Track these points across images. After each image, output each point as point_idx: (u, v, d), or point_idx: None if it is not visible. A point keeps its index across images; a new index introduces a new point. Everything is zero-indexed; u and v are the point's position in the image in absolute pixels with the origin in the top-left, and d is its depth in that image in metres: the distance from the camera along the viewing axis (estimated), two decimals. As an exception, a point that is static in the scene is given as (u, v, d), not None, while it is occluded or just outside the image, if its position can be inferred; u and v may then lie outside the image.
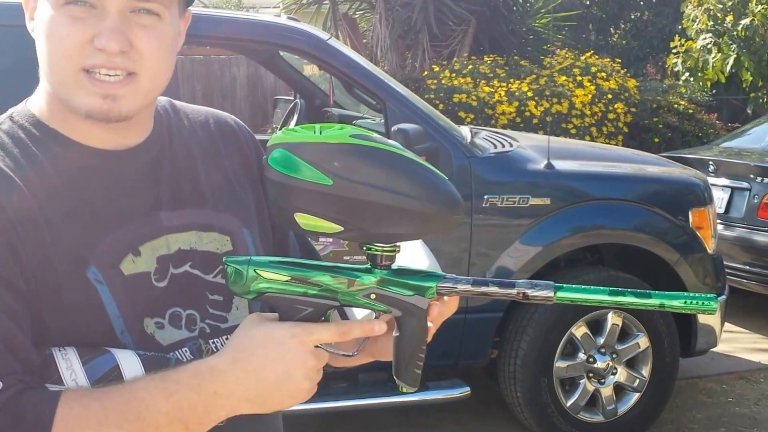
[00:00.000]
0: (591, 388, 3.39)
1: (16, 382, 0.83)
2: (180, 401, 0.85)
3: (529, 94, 7.66)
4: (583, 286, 0.88)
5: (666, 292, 0.87)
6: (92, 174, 0.94)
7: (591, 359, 3.36)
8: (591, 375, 3.38)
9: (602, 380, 3.39)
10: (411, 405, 3.34)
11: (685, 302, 0.86)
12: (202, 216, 1.01)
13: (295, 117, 4.13)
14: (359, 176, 0.82)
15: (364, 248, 0.89)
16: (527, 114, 7.56)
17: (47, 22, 0.90)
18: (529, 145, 3.61)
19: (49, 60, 0.91)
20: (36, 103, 0.97)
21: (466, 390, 3.23)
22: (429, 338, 0.92)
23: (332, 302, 0.89)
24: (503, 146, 3.50)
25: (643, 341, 3.41)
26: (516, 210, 3.24)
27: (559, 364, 3.32)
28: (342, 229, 0.85)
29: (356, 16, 10.41)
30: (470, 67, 8.22)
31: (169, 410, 0.84)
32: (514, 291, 0.88)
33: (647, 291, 0.87)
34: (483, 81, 7.89)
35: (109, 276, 0.92)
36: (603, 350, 3.38)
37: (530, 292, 0.88)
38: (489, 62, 8.42)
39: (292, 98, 4.67)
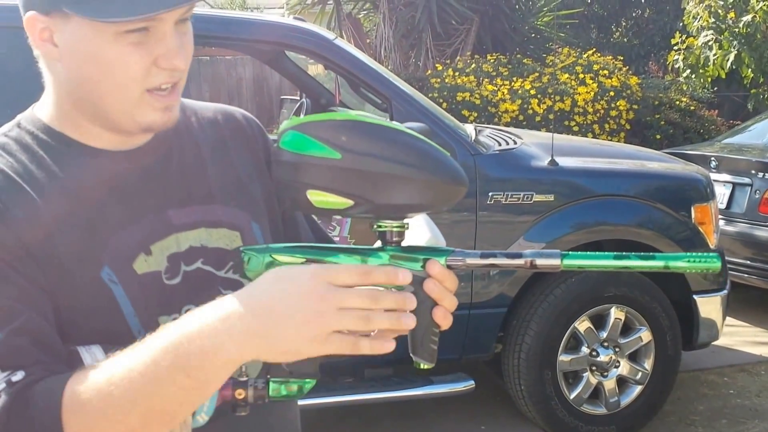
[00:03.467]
0: (594, 381, 3.43)
1: (39, 370, 0.84)
2: (176, 349, 0.80)
3: (532, 92, 7.71)
4: (588, 253, 0.88)
5: (669, 254, 0.87)
6: (100, 174, 0.95)
7: (594, 353, 3.41)
8: (594, 368, 3.42)
9: (605, 373, 3.43)
10: (416, 399, 3.37)
11: (689, 261, 0.86)
12: (210, 212, 1.02)
13: (302, 116, 4.16)
14: (366, 149, 0.85)
15: (375, 226, 0.91)
16: (530, 112, 7.61)
17: (96, 51, 0.89)
18: (532, 142, 3.65)
19: (98, 86, 0.91)
20: (43, 109, 0.98)
21: (470, 384, 3.27)
22: (451, 307, 0.90)
23: None
24: (507, 144, 3.53)
25: (645, 335, 3.45)
26: (520, 207, 3.28)
27: (563, 357, 3.36)
28: (352, 203, 0.86)
29: (360, 16, 10.46)
30: (473, 65, 8.27)
31: (166, 361, 0.80)
32: (521, 261, 0.88)
33: (651, 254, 0.87)
34: (486, 79, 7.94)
35: (123, 276, 0.93)
36: (606, 344, 3.42)
37: (538, 261, 0.88)
38: (492, 61, 8.47)
39: (298, 98, 4.70)
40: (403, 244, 0.91)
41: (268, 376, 0.89)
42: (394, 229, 0.90)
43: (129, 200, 0.96)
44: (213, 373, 0.80)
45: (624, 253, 0.87)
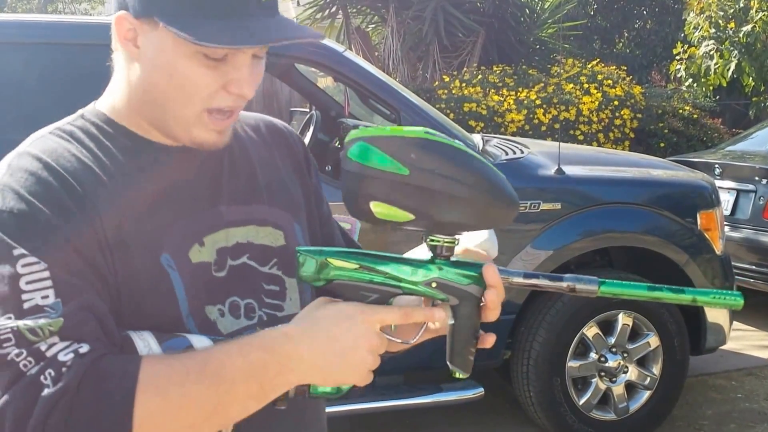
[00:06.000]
0: (603, 386, 3.44)
1: (101, 347, 0.88)
2: (255, 361, 0.89)
3: (538, 102, 7.78)
4: (623, 282, 0.95)
5: (697, 289, 0.95)
6: (159, 167, 1.00)
7: (602, 359, 3.43)
8: (603, 374, 3.44)
9: (614, 379, 3.45)
10: (425, 406, 3.37)
11: (714, 297, 0.94)
12: (258, 211, 1.06)
13: (311, 128, 4.21)
14: (433, 167, 0.89)
15: (427, 240, 0.96)
16: (536, 121, 7.68)
17: (173, 63, 0.94)
18: (539, 151, 3.68)
19: (166, 95, 0.96)
20: (106, 104, 1.02)
21: (479, 391, 3.28)
22: (494, 319, 0.98)
23: (395, 290, 0.95)
24: (514, 153, 3.56)
25: (653, 340, 3.46)
26: (527, 215, 3.30)
27: (571, 363, 3.38)
28: (414, 217, 0.91)
29: (368, 29, 10.56)
30: (479, 76, 8.35)
31: (244, 368, 0.89)
32: (564, 284, 0.95)
33: (681, 287, 0.95)
34: (492, 90, 8.02)
35: (180, 263, 0.97)
36: (614, 350, 3.44)
37: (577, 286, 0.95)
38: (498, 72, 8.54)
39: (308, 110, 4.76)
40: (452, 258, 0.97)
41: None
42: (446, 244, 0.95)
43: (185, 193, 1.00)
44: (279, 388, 0.92)
45: (657, 285, 0.96)
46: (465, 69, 8.90)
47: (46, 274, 0.87)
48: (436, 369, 3.27)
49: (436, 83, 8.44)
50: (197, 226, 1.00)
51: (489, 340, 1.00)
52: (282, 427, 1.05)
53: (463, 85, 8.08)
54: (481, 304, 0.97)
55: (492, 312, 0.97)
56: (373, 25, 10.67)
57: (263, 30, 0.93)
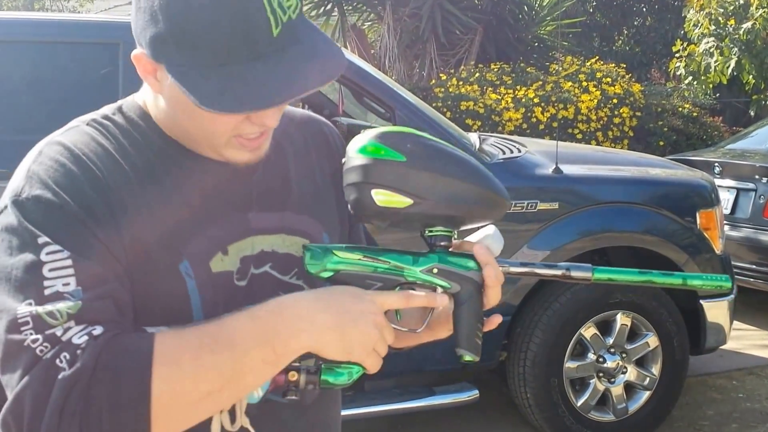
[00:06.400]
0: (601, 387, 3.42)
1: (115, 328, 0.88)
2: (265, 325, 0.91)
3: (536, 100, 7.74)
4: (615, 268, 1.02)
5: (687, 273, 1.02)
6: (190, 172, 1.00)
7: (601, 359, 3.40)
8: (601, 375, 3.41)
9: (612, 379, 3.42)
10: (419, 410, 3.32)
11: (704, 279, 1.01)
12: (287, 219, 1.06)
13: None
14: (427, 155, 0.99)
15: (426, 232, 1.03)
16: (534, 120, 7.64)
17: (190, 104, 0.92)
18: (536, 150, 3.66)
19: (189, 130, 0.98)
20: (144, 99, 1.03)
21: (474, 393, 3.26)
22: (496, 302, 1.02)
23: (399, 278, 1.00)
24: (512, 152, 3.54)
25: (652, 340, 3.44)
26: (524, 215, 3.27)
27: (569, 364, 3.35)
28: (412, 202, 0.98)
29: (364, 27, 10.52)
30: (477, 74, 8.31)
31: (256, 334, 0.90)
32: (559, 272, 1.03)
33: (671, 272, 1.01)
34: (490, 88, 7.98)
35: (199, 272, 0.97)
36: (612, 350, 3.42)
37: (572, 273, 1.02)
38: (495, 70, 8.51)
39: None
40: (451, 250, 1.02)
41: (320, 363, 0.96)
42: (443, 234, 1.03)
43: (214, 200, 1.01)
44: (292, 352, 0.92)
45: (646, 270, 1.03)
46: (462, 67, 8.86)
47: (69, 262, 0.89)
48: (429, 372, 3.24)
49: (433, 81, 8.41)
50: (222, 234, 1.01)
51: (495, 321, 1.03)
52: (295, 426, 1.06)
53: (460, 83, 8.04)
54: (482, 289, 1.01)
55: (493, 291, 1.01)
56: (369, 23, 10.64)
57: (266, 87, 0.89)
